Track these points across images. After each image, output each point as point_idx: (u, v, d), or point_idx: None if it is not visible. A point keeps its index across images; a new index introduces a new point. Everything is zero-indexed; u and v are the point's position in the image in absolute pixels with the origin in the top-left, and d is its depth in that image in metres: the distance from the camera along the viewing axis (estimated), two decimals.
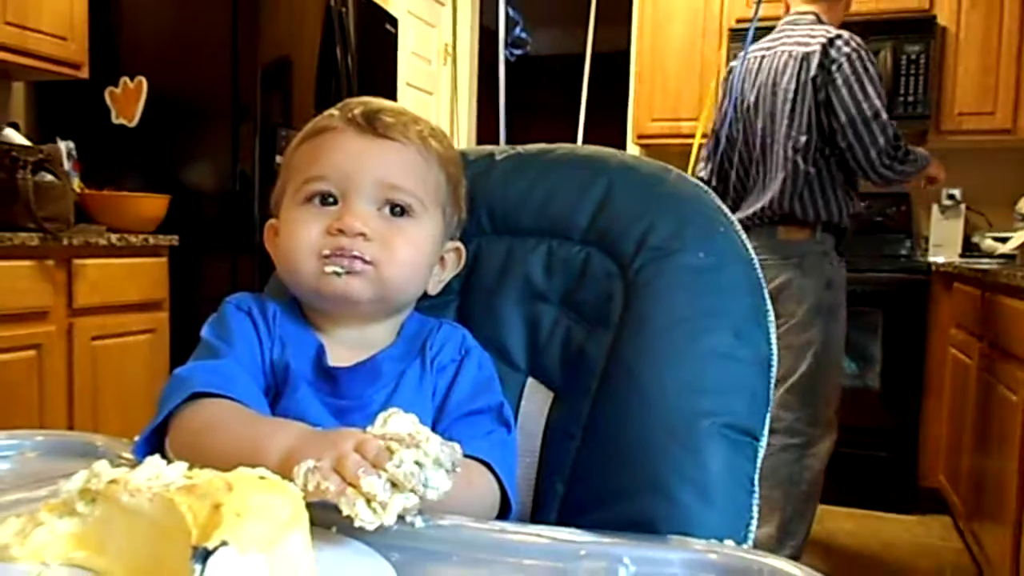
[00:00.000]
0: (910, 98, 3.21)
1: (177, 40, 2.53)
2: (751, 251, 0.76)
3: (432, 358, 0.75)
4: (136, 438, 0.68)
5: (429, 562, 0.55)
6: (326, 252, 0.71)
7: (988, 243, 3.23)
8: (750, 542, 0.67)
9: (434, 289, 0.81)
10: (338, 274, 0.70)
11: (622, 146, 3.74)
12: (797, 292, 2.22)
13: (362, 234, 0.71)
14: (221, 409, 0.65)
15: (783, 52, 2.23)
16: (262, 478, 0.47)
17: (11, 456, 0.74)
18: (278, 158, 2.45)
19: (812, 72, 2.14)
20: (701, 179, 2.02)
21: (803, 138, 2.18)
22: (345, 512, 0.50)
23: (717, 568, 0.54)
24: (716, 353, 0.71)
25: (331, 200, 0.72)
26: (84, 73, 2.44)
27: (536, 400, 0.80)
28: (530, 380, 0.81)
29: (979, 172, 3.42)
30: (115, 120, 2.56)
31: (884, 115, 2.10)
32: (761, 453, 0.71)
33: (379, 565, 0.52)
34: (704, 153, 2.54)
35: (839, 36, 2.15)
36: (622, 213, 0.79)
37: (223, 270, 2.47)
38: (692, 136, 2.72)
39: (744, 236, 0.77)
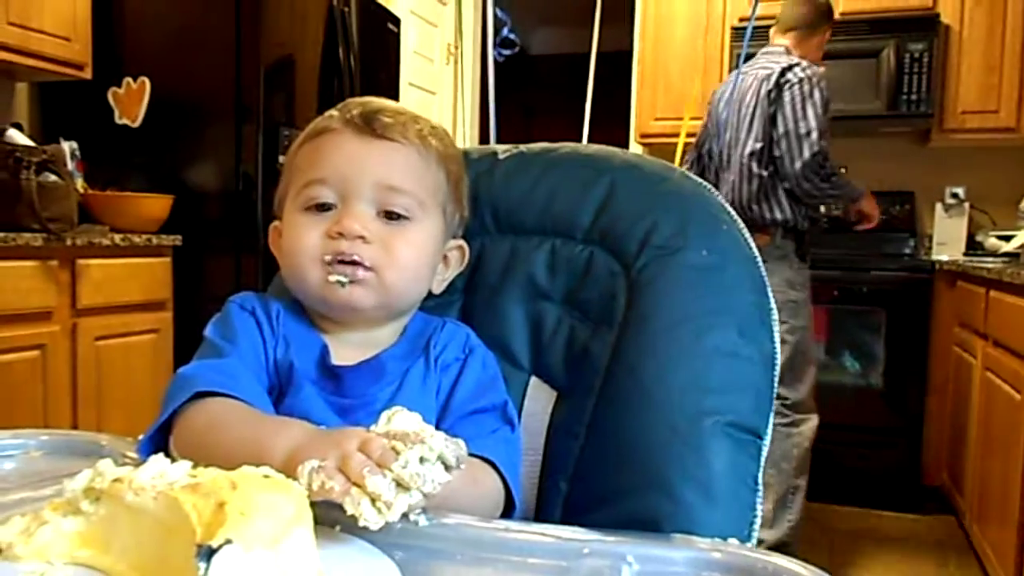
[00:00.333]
0: (913, 96, 3.20)
1: (180, 40, 2.53)
2: (754, 249, 0.76)
3: (436, 356, 0.75)
4: (140, 437, 0.68)
5: (433, 560, 0.54)
6: (327, 257, 0.71)
7: (992, 241, 3.23)
8: (754, 541, 0.67)
9: (438, 288, 0.81)
10: (342, 284, 0.71)
11: (624, 145, 3.73)
12: None
13: (361, 237, 0.71)
14: (225, 408, 0.65)
15: (752, 76, 2.51)
16: (266, 477, 0.47)
17: (16, 455, 0.74)
18: (281, 158, 2.45)
19: (768, 88, 2.42)
20: None
21: (758, 145, 2.43)
22: (349, 511, 0.50)
23: (721, 567, 0.54)
24: (720, 352, 0.71)
25: (329, 208, 0.73)
26: (87, 74, 2.44)
27: (540, 399, 0.80)
28: (533, 379, 0.81)
29: (983, 170, 3.42)
30: (118, 120, 2.57)
31: (815, 136, 2.34)
32: (765, 452, 0.71)
33: (383, 563, 0.52)
34: (687, 166, 2.69)
35: (798, 64, 2.42)
36: (625, 212, 0.79)
37: (226, 270, 2.48)
38: (695, 135, 2.74)
39: (747, 234, 0.77)
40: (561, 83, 4.59)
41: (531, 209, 0.84)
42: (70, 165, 2.35)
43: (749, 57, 2.59)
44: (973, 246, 3.32)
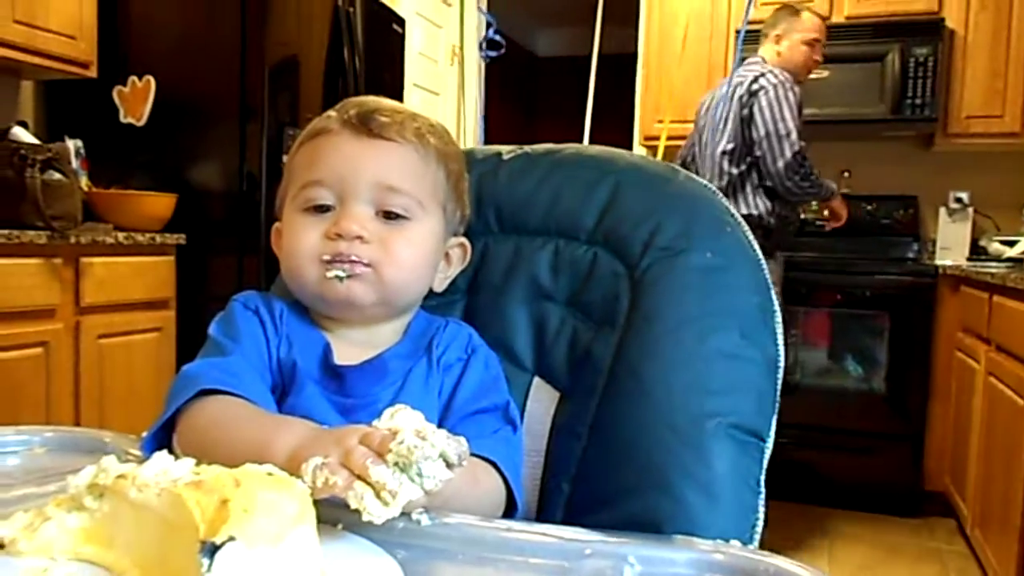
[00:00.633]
0: (918, 101, 3.20)
1: (185, 40, 2.54)
2: (758, 251, 0.76)
3: (439, 356, 0.75)
4: (144, 434, 0.68)
5: (435, 560, 0.55)
6: (326, 257, 0.71)
7: (995, 246, 3.22)
8: (756, 542, 0.67)
9: (440, 286, 0.81)
10: (340, 279, 0.71)
11: (628, 147, 3.73)
12: None
13: (359, 237, 0.71)
14: (228, 406, 0.65)
15: (728, 85, 2.67)
16: (270, 474, 0.47)
17: (20, 452, 0.74)
18: (285, 158, 2.43)
19: (741, 92, 2.58)
20: None
21: (731, 145, 2.61)
22: (353, 506, 0.50)
23: (723, 568, 0.54)
24: (723, 353, 0.71)
25: (327, 209, 0.73)
26: (92, 72, 2.45)
27: (542, 400, 0.80)
28: (536, 380, 0.81)
29: (987, 175, 3.41)
30: (123, 119, 2.57)
31: (795, 136, 2.49)
32: (767, 454, 0.71)
33: (385, 562, 0.52)
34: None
35: (772, 71, 2.58)
36: (629, 213, 0.79)
37: (230, 269, 2.48)
38: (678, 138, 2.82)
39: (751, 236, 0.77)
40: (567, 85, 4.59)
41: (535, 210, 0.84)
42: (75, 163, 2.35)
43: (743, 61, 2.71)
44: (977, 251, 3.31)
